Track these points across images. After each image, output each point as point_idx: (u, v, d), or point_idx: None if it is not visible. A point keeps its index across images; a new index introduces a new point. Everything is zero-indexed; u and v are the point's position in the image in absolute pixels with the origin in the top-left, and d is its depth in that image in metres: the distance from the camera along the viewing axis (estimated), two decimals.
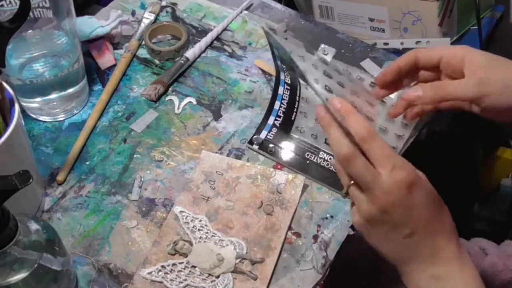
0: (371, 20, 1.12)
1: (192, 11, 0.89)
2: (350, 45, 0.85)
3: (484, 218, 1.28)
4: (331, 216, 0.65)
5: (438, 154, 1.10)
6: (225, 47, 0.84)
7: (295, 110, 0.68)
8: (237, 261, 0.61)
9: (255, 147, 0.71)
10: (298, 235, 0.64)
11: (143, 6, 0.89)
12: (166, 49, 0.81)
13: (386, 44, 1.11)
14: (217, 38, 0.85)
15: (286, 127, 0.70)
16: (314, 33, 0.87)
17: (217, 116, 0.75)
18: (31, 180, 0.46)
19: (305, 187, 0.67)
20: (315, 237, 0.64)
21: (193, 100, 0.77)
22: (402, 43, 1.10)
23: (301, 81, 0.64)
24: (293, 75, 0.64)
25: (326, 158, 0.68)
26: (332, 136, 0.51)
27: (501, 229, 1.25)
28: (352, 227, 0.65)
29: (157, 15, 0.87)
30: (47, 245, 0.50)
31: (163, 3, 0.89)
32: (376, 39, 1.12)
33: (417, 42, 1.09)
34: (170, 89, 0.78)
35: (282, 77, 0.66)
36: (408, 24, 1.08)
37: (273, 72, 0.79)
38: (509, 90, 0.57)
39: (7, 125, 0.55)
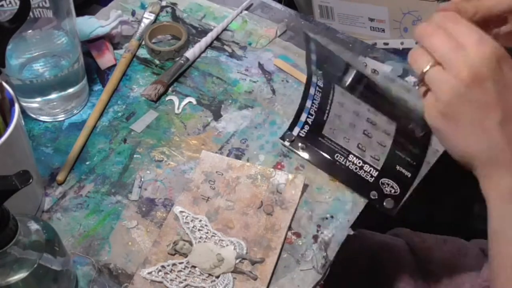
0: (371, 20, 1.12)
1: (192, 11, 0.89)
2: (350, 45, 0.85)
3: (484, 218, 1.28)
4: (331, 216, 0.65)
5: None
6: (225, 47, 0.84)
7: (327, 111, 0.68)
8: (237, 261, 0.61)
9: (287, 143, 0.71)
10: (298, 235, 0.64)
11: (143, 6, 0.89)
12: (166, 49, 0.81)
13: (386, 44, 1.11)
14: (217, 38, 0.85)
15: (318, 126, 0.70)
16: (314, 33, 0.86)
17: (217, 116, 0.75)
18: (31, 180, 0.46)
19: (305, 187, 0.67)
20: (315, 237, 0.64)
21: (193, 100, 0.77)
22: (402, 43, 1.10)
23: (337, 86, 0.65)
24: (327, 81, 0.65)
25: (355, 162, 0.68)
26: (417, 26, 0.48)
27: None
28: (352, 226, 0.65)
29: (157, 15, 0.87)
30: (47, 245, 0.50)
31: (163, 3, 0.89)
32: (376, 39, 1.12)
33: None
34: (170, 89, 0.78)
35: (314, 80, 0.67)
36: (408, 24, 1.08)
37: (292, 72, 0.80)
38: None
39: (7, 125, 0.55)
